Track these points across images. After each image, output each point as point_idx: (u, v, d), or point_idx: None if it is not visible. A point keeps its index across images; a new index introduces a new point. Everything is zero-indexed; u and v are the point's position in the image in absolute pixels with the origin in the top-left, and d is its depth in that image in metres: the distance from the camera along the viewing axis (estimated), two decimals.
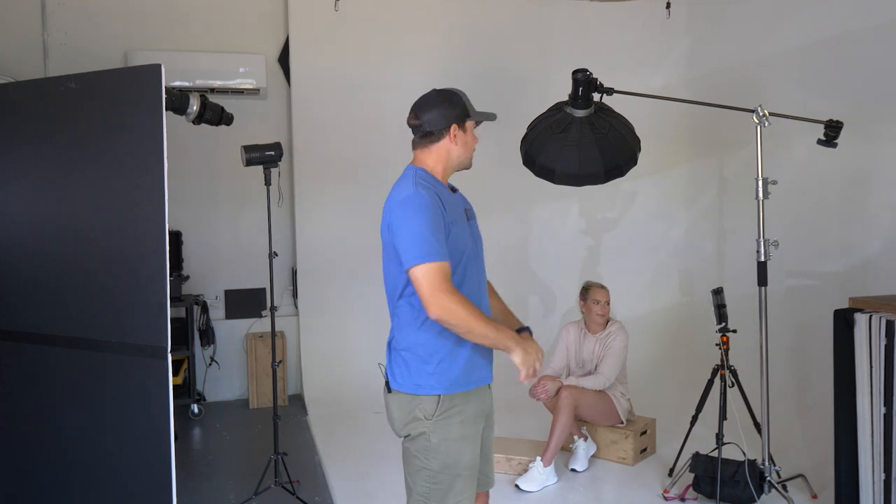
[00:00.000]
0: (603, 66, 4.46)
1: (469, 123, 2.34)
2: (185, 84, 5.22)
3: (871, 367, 3.09)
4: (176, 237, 5.19)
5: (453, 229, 2.21)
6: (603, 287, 4.25)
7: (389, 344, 2.32)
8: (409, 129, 2.36)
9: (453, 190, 2.38)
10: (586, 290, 4.27)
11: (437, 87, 2.36)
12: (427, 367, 2.21)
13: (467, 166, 2.39)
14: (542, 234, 6.09)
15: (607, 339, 4.18)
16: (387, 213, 2.23)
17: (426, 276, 2.07)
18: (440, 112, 2.28)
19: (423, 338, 2.21)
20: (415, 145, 2.34)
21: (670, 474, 3.95)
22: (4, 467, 3.22)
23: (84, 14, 5.25)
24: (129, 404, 2.94)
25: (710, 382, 3.80)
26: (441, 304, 2.05)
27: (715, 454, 3.55)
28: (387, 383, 2.29)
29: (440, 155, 2.31)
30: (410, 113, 2.32)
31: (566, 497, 3.80)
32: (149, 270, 2.84)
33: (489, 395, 2.39)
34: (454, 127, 2.29)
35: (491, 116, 2.38)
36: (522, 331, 2.42)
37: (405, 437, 2.28)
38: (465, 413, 2.25)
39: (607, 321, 4.25)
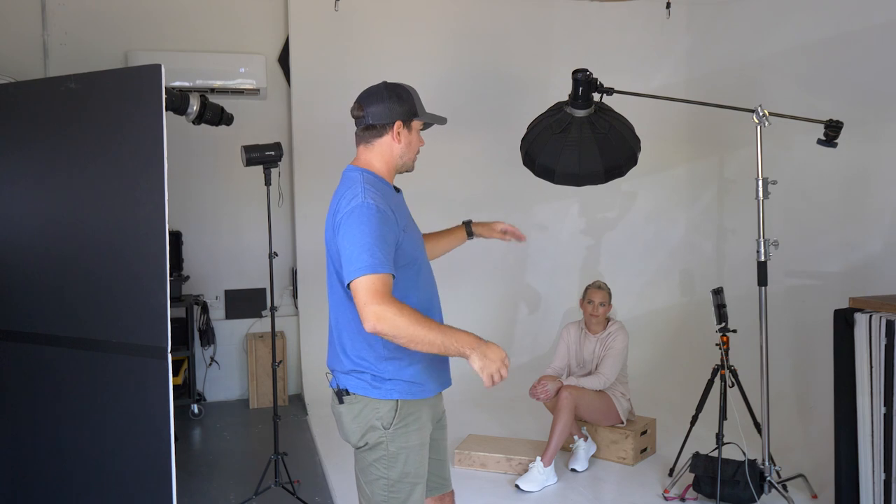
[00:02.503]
0: (603, 66, 4.46)
1: (416, 123, 2.22)
2: (186, 84, 5.22)
3: (871, 367, 3.09)
4: (176, 237, 5.19)
5: (406, 236, 2.13)
6: (600, 288, 4.25)
7: (340, 356, 2.19)
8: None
9: (397, 191, 2.27)
10: (585, 291, 4.28)
11: (388, 81, 2.25)
12: (385, 373, 2.13)
13: (410, 168, 2.27)
14: (542, 234, 6.09)
15: (607, 339, 4.18)
16: (333, 223, 2.09)
17: (364, 287, 1.92)
18: (386, 106, 2.16)
19: (380, 344, 2.12)
20: (357, 140, 2.22)
21: (670, 474, 3.95)
22: (4, 467, 3.22)
23: (84, 14, 5.25)
24: (129, 404, 2.94)
25: (710, 382, 3.80)
26: (376, 314, 1.89)
27: (715, 454, 3.55)
28: (338, 394, 2.18)
29: (384, 153, 2.19)
30: (355, 103, 2.20)
31: (566, 497, 3.80)
32: (149, 270, 2.84)
33: (441, 398, 2.33)
34: (399, 124, 2.17)
35: (441, 120, 2.28)
36: (467, 224, 2.54)
37: (361, 446, 2.18)
38: (421, 420, 2.20)
39: (608, 321, 4.25)
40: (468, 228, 2.60)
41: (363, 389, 2.14)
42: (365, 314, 1.91)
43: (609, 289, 4.27)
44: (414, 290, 2.16)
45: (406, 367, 2.15)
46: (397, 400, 2.14)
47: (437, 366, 2.22)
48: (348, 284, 1.98)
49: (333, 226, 2.09)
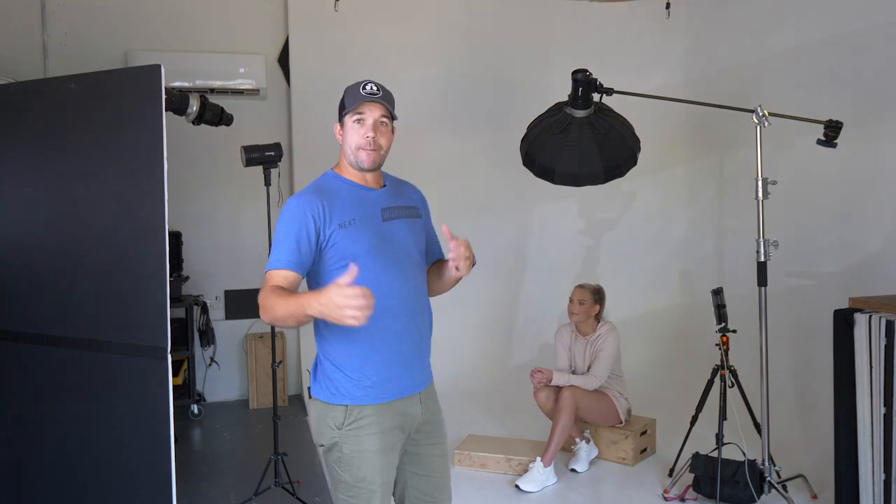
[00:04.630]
0: (603, 66, 4.46)
1: (346, 118, 2.17)
2: (185, 84, 5.22)
3: (871, 367, 3.09)
4: (176, 237, 5.18)
5: (340, 231, 2.08)
6: (582, 287, 4.25)
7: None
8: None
9: (382, 185, 2.24)
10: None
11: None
12: (340, 375, 2.10)
13: (359, 165, 2.17)
14: (542, 234, 6.09)
15: (597, 341, 4.17)
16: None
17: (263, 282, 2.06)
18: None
19: (336, 345, 2.11)
20: None
21: (670, 474, 3.95)
22: (5, 467, 3.22)
23: (84, 14, 5.25)
24: (129, 404, 2.94)
25: (710, 382, 3.80)
26: (259, 305, 1.99)
27: (715, 454, 3.55)
28: (308, 389, 2.20)
29: (342, 153, 2.23)
30: None
31: (566, 497, 3.80)
32: (149, 271, 2.84)
33: (417, 406, 2.20)
34: (336, 125, 2.22)
35: (356, 99, 2.14)
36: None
37: (321, 446, 2.17)
38: (382, 424, 2.11)
39: (598, 322, 4.24)
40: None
41: (320, 394, 2.15)
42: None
43: (594, 288, 4.25)
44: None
45: (358, 369, 2.10)
46: (346, 405, 2.10)
47: (396, 371, 2.14)
48: None
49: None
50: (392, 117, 2.20)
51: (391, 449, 2.14)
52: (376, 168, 2.21)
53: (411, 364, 2.18)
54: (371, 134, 2.14)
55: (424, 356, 2.24)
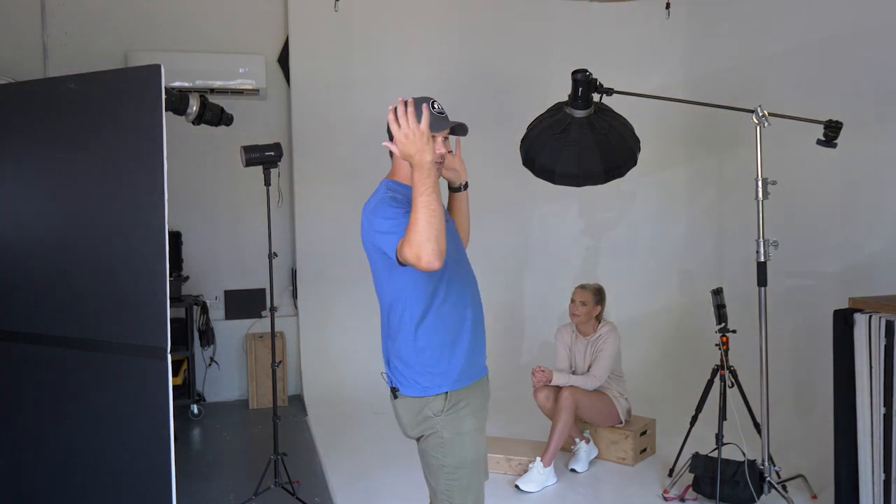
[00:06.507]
0: (603, 66, 4.46)
1: None
2: (185, 84, 5.22)
3: (870, 367, 3.09)
4: (176, 237, 5.19)
5: None
6: (584, 287, 4.25)
7: (387, 353, 2.36)
8: None
9: None
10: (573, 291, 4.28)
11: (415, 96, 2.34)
12: (430, 369, 2.26)
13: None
14: (542, 234, 6.09)
15: (597, 341, 4.17)
16: (365, 226, 2.25)
17: (405, 245, 2.04)
18: None
19: (422, 341, 2.25)
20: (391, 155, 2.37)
21: (670, 474, 3.95)
22: (5, 467, 3.21)
23: (84, 14, 5.25)
24: (129, 404, 2.94)
25: (710, 383, 3.80)
26: (413, 255, 2.01)
27: (715, 454, 3.55)
28: (393, 391, 2.33)
29: (402, 164, 2.32)
30: None
31: (566, 497, 3.80)
32: (149, 270, 2.83)
33: (488, 385, 2.45)
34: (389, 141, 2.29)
35: (444, 124, 2.31)
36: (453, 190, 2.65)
37: (418, 438, 2.33)
38: (473, 405, 2.31)
39: (598, 322, 4.24)
40: (452, 188, 2.71)
41: (414, 391, 2.27)
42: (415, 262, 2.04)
43: (596, 288, 4.25)
44: (446, 286, 2.28)
45: (447, 361, 2.27)
46: (447, 392, 2.26)
47: (474, 353, 2.35)
48: (398, 258, 2.10)
49: (366, 227, 2.26)
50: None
51: (483, 428, 2.36)
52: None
53: (481, 350, 2.41)
54: (442, 150, 2.35)
55: (485, 343, 2.47)
